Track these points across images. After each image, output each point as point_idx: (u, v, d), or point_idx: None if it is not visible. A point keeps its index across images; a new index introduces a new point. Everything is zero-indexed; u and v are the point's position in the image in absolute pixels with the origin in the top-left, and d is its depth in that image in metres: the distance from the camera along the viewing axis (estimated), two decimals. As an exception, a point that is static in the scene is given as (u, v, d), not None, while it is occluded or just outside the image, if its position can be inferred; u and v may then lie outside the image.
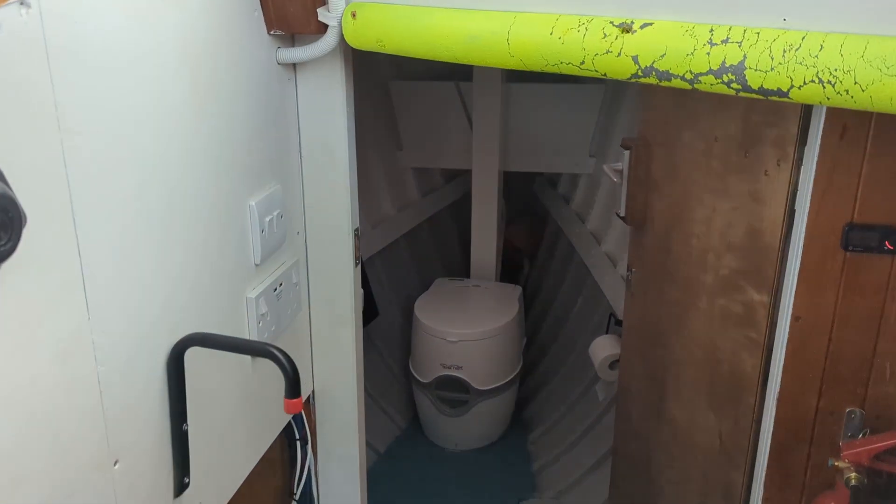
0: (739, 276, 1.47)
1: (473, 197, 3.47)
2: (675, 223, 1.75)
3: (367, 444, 3.10)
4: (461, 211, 3.96)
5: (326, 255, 1.40)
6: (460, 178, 4.08)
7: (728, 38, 0.93)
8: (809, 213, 1.23)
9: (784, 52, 0.86)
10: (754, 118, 1.39)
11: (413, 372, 3.13)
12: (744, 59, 0.89)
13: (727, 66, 0.91)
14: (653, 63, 0.97)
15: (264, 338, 1.22)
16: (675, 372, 1.79)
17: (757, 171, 1.39)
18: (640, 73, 1.00)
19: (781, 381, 1.33)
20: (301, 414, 1.45)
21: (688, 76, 0.96)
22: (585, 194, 3.55)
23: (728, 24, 0.94)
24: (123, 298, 0.91)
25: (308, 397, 1.49)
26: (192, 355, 0.99)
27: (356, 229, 1.40)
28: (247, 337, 1.18)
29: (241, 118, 1.13)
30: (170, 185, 0.97)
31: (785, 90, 0.88)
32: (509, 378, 3.08)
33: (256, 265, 1.19)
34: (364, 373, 3.30)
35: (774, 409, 1.35)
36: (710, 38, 0.95)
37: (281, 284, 1.27)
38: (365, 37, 1.19)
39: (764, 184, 1.37)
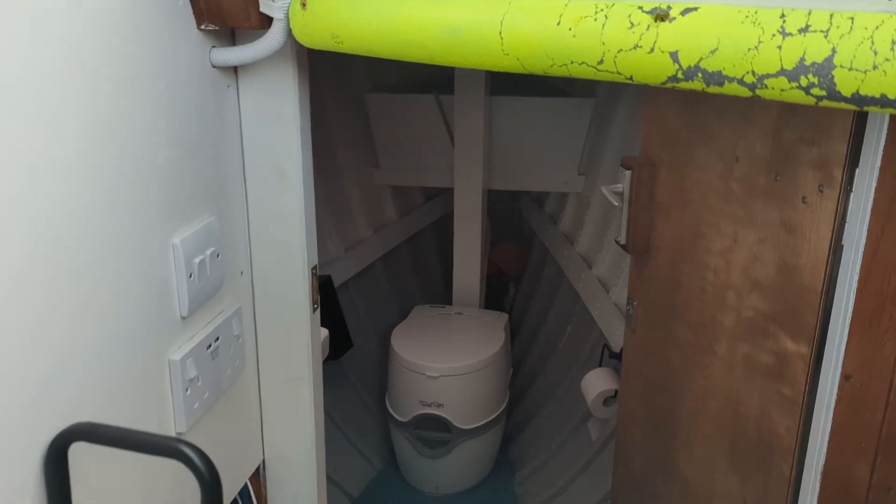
0: (769, 320, 1.25)
1: (455, 217, 3.24)
2: (686, 254, 1.53)
3: (340, 487, 2.86)
4: (443, 231, 3.73)
5: (277, 299, 1.15)
6: (442, 197, 3.86)
7: (808, 27, 0.69)
8: (866, 249, 1.01)
9: (893, 43, 0.63)
10: (787, 134, 1.17)
11: (390, 409, 2.88)
12: (832, 55, 0.66)
13: (807, 64, 0.67)
14: (699, 62, 0.73)
15: (194, 408, 0.97)
16: (686, 424, 1.56)
17: (791, 198, 1.17)
18: (679, 76, 0.76)
19: (827, 451, 1.10)
20: (248, 489, 1.20)
21: (748, 79, 0.72)
22: (574, 214, 3.33)
23: (807, 6, 0.70)
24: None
25: (257, 469, 1.24)
26: (80, 452, 0.75)
27: (314, 267, 1.16)
28: (171, 409, 0.94)
29: (161, 137, 0.89)
30: (56, 228, 0.73)
31: (893, 98, 0.64)
32: (495, 415, 2.83)
33: (183, 318, 0.95)
34: (337, 409, 3.07)
35: (818, 483, 1.12)
36: (782, 27, 0.70)
37: (217, 339, 1.03)
38: (318, 32, 0.95)
39: (801, 213, 1.14)
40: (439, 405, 2.72)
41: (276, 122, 1.07)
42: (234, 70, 1.07)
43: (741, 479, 1.36)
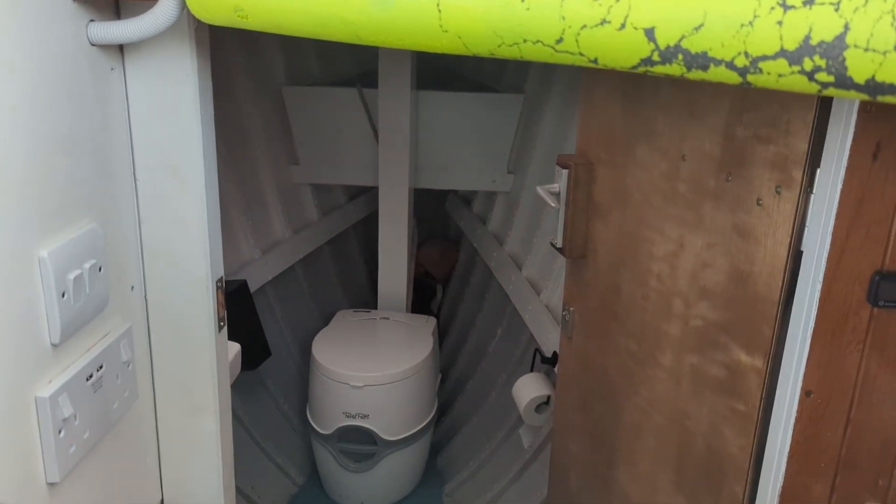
0: (719, 330, 1.17)
1: (381, 218, 3.10)
2: (627, 259, 1.44)
3: (257, 505, 2.68)
4: (367, 232, 3.59)
5: (176, 318, 1.00)
6: (366, 196, 3.71)
7: (814, -1, 0.56)
8: (830, 255, 0.93)
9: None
10: (740, 131, 1.09)
11: (311, 422, 2.72)
12: (844, 33, 0.56)
13: (813, 44, 0.56)
14: (679, 41, 0.61)
15: (70, 453, 0.81)
16: (627, 437, 1.48)
17: (745, 200, 1.09)
18: (655, 58, 0.64)
19: (785, 471, 1.02)
20: (144, 536, 1.04)
21: (740, 62, 0.60)
22: (504, 214, 3.24)
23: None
24: None
25: (155, 511, 1.07)
26: None
27: (219, 280, 1.01)
28: (41, 457, 0.77)
29: (20, 129, 0.73)
30: None
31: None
32: (423, 424, 2.71)
33: (54, 346, 0.78)
34: (255, 422, 2.88)
35: (775, 506, 1.04)
36: (783, -1, 0.58)
37: (101, 368, 0.87)
38: (217, 4, 0.80)
39: (756, 216, 1.06)
40: (364, 416, 2.58)
41: (172, 112, 0.91)
42: (120, 50, 0.91)
43: (689, 499, 1.27)
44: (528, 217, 2.96)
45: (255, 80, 2.97)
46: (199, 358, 1.00)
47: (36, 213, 0.75)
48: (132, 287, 0.95)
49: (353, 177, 3.33)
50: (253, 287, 2.82)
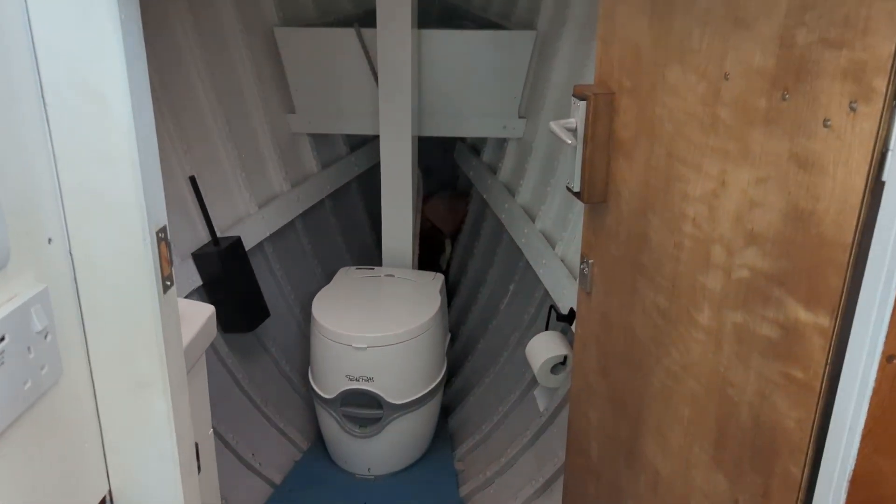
0: (771, 282, 0.97)
1: (383, 169, 2.90)
2: (655, 201, 1.24)
3: (259, 474, 2.54)
4: (371, 185, 3.39)
5: (108, 276, 0.81)
6: (369, 145, 3.51)
7: None
8: (924, 186, 0.73)
9: None
10: (801, 36, 0.88)
11: (314, 385, 2.57)
12: None
13: None
14: None
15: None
16: (656, 406, 1.30)
17: (807, 122, 0.88)
18: None
19: (858, 452, 0.84)
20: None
21: None
22: (515, 162, 3.03)
23: None
24: None
25: (102, 503, 0.91)
26: None
27: (161, 230, 0.82)
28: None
29: None
30: None
31: None
32: (431, 387, 2.55)
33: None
34: (255, 387, 2.73)
35: (844, 491, 0.86)
36: None
37: (1, 339, 0.69)
38: None
39: (822, 140, 0.86)
40: (368, 379, 2.42)
41: (82, 17, 0.71)
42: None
43: (730, 479, 1.09)
44: (542, 165, 2.75)
45: (244, 22, 2.76)
46: (141, 325, 0.82)
47: None
48: (49, 240, 0.77)
49: (353, 125, 3.12)
50: (249, 244, 2.65)
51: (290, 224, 3.03)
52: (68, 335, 0.81)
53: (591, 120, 1.39)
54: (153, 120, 0.80)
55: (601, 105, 1.38)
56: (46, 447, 0.79)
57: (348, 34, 2.84)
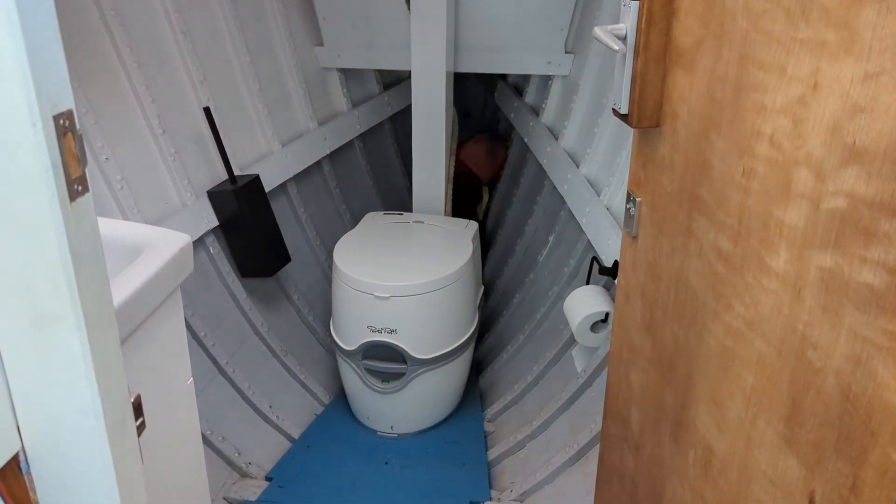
0: (877, 212, 0.73)
1: (414, 107, 2.67)
2: (721, 119, 1.00)
3: (277, 427, 2.40)
4: (405, 126, 3.17)
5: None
6: (404, 84, 3.28)
7: None
8: None
9: None
10: None
11: (334, 336, 2.40)
12: None
13: None
14: None
15: None
16: (712, 370, 1.07)
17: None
18: None
19: None
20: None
21: None
22: (560, 103, 2.77)
23: None
24: None
25: (15, 461, 0.73)
26: None
27: (63, 115, 0.62)
28: None
29: None
30: None
31: None
32: (460, 342, 2.35)
33: None
34: (275, 335, 2.57)
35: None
36: None
37: None
38: None
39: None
40: (391, 331, 2.24)
41: None
42: None
43: (806, 464, 0.87)
44: (589, 105, 2.49)
45: None
46: (39, 241, 0.63)
47: None
48: None
49: (386, 60, 2.89)
50: (271, 184, 2.48)
51: (317, 165, 2.84)
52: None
53: (645, 24, 1.14)
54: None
55: (657, 5, 1.13)
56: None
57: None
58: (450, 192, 2.85)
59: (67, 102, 0.63)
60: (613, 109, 1.25)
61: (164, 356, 1.11)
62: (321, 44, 2.88)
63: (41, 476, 0.76)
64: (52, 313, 0.67)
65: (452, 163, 2.88)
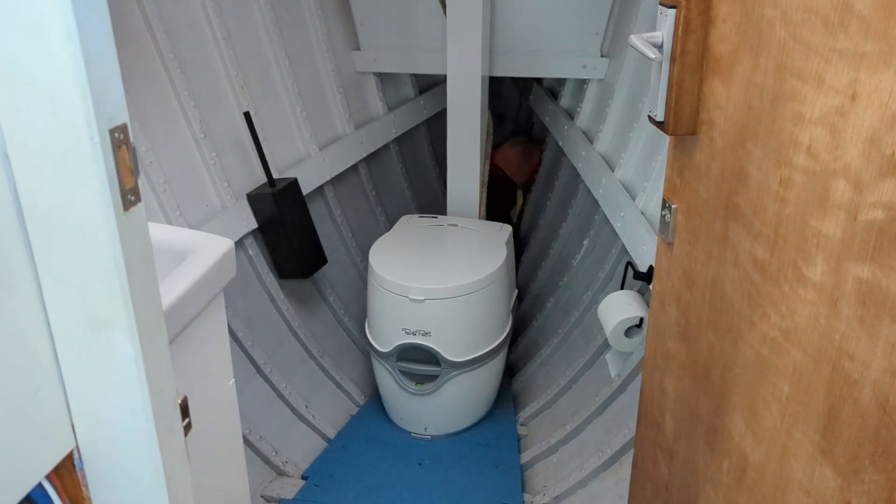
0: (917, 223, 0.73)
1: (449, 111, 2.69)
2: (758, 128, 1.00)
3: (313, 427, 2.43)
4: (440, 129, 3.20)
5: (51, 184, 0.65)
6: (439, 87, 3.30)
7: None
8: None
9: None
10: None
11: (370, 338, 2.43)
12: None
13: None
14: None
15: None
16: (747, 379, 1.07)
17: None
18: None
19: None
20: (45, 490, 0.74)
21: None
22: (595, 107, 2.77)
23: None
24: None
25: (70, 458, 0.77)
26: None
27: (118, 129, 0.65)
28: None
29: None
30: None
31: None
32: (493, 345, 2.37)
33: None
34: (312, 336, 2.61)
35: None
36: None
37: None
38: None
39: None
40: (426, 334, 2.26)
41: None
42: None
43: (842, 475, 0.87)
44: (624, 108, 2.49)
45: None
46: (94, 248, 0.67)
47: None
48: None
49: (422, 64, 2.92)
50: (309, 187, 2.52)
51: (353, 168, 2.88)
52: (11, 262, 0.66)
53: (682, 32, 1.15)
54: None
55: (694, 13, 1.13)
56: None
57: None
58: (484, 195, 2.87)
59: (122, 116, 0.66)
60: (649, 116, 1.26)
61: (208, 358, 1.14)
62: (358, 48, 2.91)
63: (94, 473, 0.80)
64: (105, 317, 0.70)
65: (487, 166, 2.89)
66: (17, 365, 0.69)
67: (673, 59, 1.17)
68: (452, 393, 2.37)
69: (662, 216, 1.35)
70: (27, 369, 0.70)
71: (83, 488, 0.81)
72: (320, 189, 2.68)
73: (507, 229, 2.59)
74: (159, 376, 0.76)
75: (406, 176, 3.31)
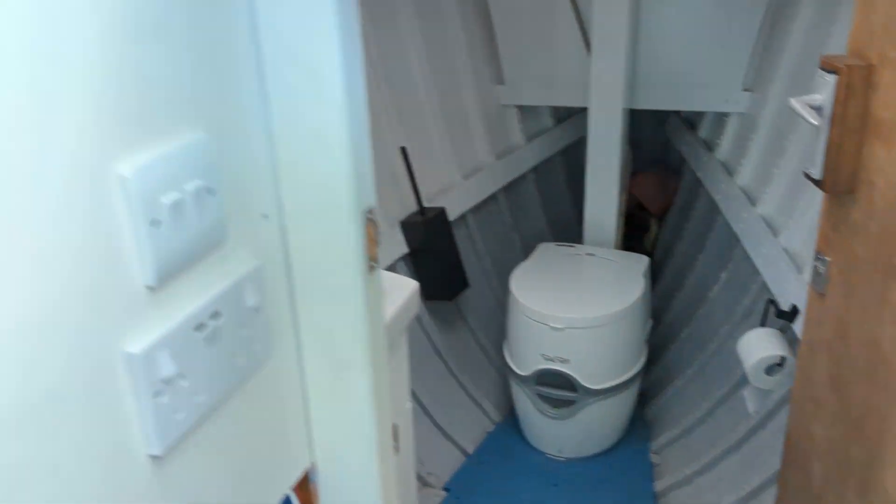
0: None
1: (589, 143, 2.78)
2: (922, 194, 1.05)
3: (453, 441, 2.58)
4: (575, 159, 3.29)
5: (316, 255, 0.81)
6: (575, 118, 3.39)
7: None
8: None
9: None
10: None
11: (508, 361, 2.55)
12: None
13: None
14: None
15: (177, 420, 0.66)
16: (904, 433, 1.11)
17: None
18: None
19: None
20: (290, 501, 0.90)
21: None
22: (736, 139, 2.79)
23: None
24: None
25: (305, 475, 0.93)
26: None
27: (368, 211, 0.81)
28: (138, 426, 0.63)
29: (86, 4, 0.55)
30: None
31: None
32: (629, 375, 2.43)
33: (150, 289, 0.63)
34: (452, 355, 2.76)
35: None
36: None
37: (217, 315, 0.70)
38: None
39: None
40: (564, 360, 2.36)
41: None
42: None
43: None
44: (767, 143, 2.50)
45: None
46: (344, 304, 0.82)
47: (111, 118, 0.58)
48: (265, 215, 0.78)
49: (562, 97, 3.03)
50: (453, 214, 2.67)
51: (493, 196, 3.02)
52: (279, 311, 0.82)
53: (843, 97, 1.20)
54: (366, 99, 0.78)
55: (856, 79, 1.19)
56: (255, 422, 0.81)
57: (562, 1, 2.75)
58: (621, 225, 2.94)
59: (372, 200, 0.82)
60: (805, 173, 1.32)
61: (395, 387, 1.30)
62: (502, 82, 3.05)
63: (325, 487, 0.96)
64: (347, 360, 0.86)
65: (624, 196, 2.96)
66: (276, 397, 0.85)
67: (833, 122, 1.22)
68: (588, 418, 2.45)
69: (815, 267, 1.39)
70: (284, 402, 0.87)
71: (315, 499, 0.97)
72: (463, 217, 2.84)
73: (644, 261, 2.65)
74: (383, 408, 0.91)
75: (541, 203, 3.42)
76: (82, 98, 0.55)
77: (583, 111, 2.86)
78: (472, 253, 2.92)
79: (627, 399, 2.52)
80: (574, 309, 2.35)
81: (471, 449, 2.59)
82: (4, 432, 0.51)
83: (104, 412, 0.61)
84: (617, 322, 2.35)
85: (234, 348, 0.74)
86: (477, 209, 2.91)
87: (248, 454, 0.81)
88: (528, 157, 3.19)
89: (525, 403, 2.53)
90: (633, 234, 3.47)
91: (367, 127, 0.79)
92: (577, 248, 2.78)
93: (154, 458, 0.66)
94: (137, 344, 0.62)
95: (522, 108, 3.18)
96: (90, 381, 0.59)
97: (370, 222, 0.82)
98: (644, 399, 2.86)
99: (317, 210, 0.79)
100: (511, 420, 2.74)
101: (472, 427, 2.69)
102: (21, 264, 0.51)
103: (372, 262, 0.84)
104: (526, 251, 2.95)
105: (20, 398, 0.52)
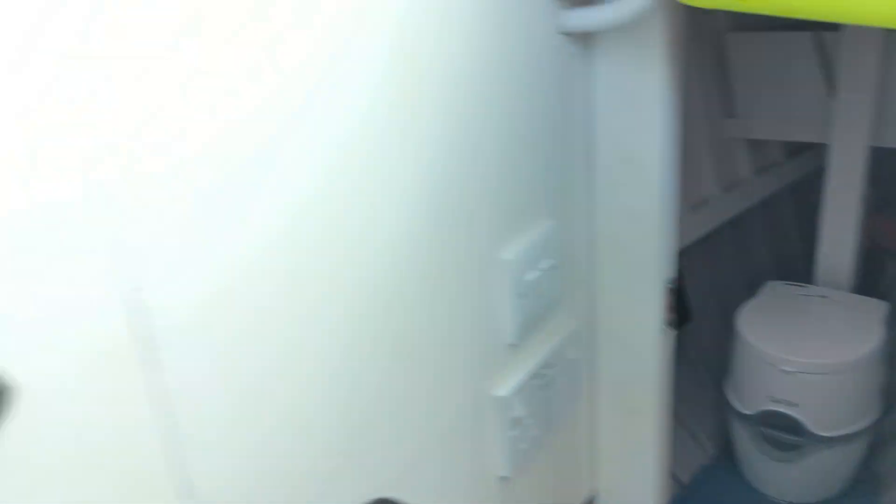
0: None
1: (828, 179, 2.70)
2: None
3: (669, 471, 2.62)
4: (803, 194, 3.20)
5: (620, 317, 0.95)
6: (807, 154, 3.29)
7: None
8: None
9: None
10: None
11: (730, 398, 2.55)
12: None
13: None
14: None
15: (521, 449, 0.82)
16: None
17: None
18: None
19: None
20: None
21: None
22: None
23: None
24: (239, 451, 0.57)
25: (590, 499, 1.07)
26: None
27: (670, 280, 0.93)
28: (497, 454, 0.80)
29: (493, 125, 0.72)
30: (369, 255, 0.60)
31: None
32: (861, 426, 2.35)
33: (511, 346, 0.79)
34: (674, 384, 2.80)
35: None
36: None
37: (550, 367, 0.86)
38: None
39: None
40: (793, 405, 2.33)
41: (633, 99, 0.84)
42: (583, 36, 0.86)
43: None
44: None
45: (693, 26, 2.79)
46: (642, 361, 0.95)
47: (504, 214, 0.75)
48: (581, 285, 0.93)
49: (795, 132, 2.95)
50: (680, 245, 2.71)
51: (717, 230, 3.01)
52: (581, 365, 0.97)
53: None
54: (675, 186, 0.90)
55: None
56: (557, 455, 0.96)
57: (802, 39, 2.70)
58: (857, 267, 2.82)
59: (672, 273, 0.94)
60: None
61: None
62: (733, 115, 3.04)
63: (601, 511, 1.09)
64: (638, 409, 0.99)
65: (861, 236, 2.84)
66: (570, 441, 1.00)
67: None
68: (814, 464, 2.39)
69: None
70: (575, 444, 1.01)
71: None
72: (687, 249, 2.86)
73: (884, 307, 2.54)
74: (664, 451, 1.03)
75: (765, 239, 3.34)
76: (488, 206, 0.73)
77: (815, 146, 2.78)
78: (694, 286, 2.94)
79: (858, 448, 2.43)
80: (807, 353, 2.31)
81: (686, 478, 2.62)
82: (428, 454, 0.69)
83: (477, 443, 0.78)
84: (853, 370, 2.28)
85: (557, 394, 0.89)
86: (701, 242, 2.92)
87: (550, 483, 0.97)
88: (756, 190, 3.14)
89: (747, 443, 2.51)
90: (868, 276, 3.29)
91: (674, 208, 0.92)
92: (808, 290, 2.71)
93: (503, 478, 0.82)
94: (502, 389, 0.79)
95: (751, 141, 3.14)
96: (472, 417, 0.76)
97: (672, 291, 0.94)
98: (874, 448, 2.73)
99: (624, 279, 0.93)
100: (727, 455, 2.73)
101: (687, 456, 2.70)
102: (432, 332, 0.69)
103: (667, 324, 0.96)
104: (747, 287, 2.92)
105: (433, 433, 0.70)
